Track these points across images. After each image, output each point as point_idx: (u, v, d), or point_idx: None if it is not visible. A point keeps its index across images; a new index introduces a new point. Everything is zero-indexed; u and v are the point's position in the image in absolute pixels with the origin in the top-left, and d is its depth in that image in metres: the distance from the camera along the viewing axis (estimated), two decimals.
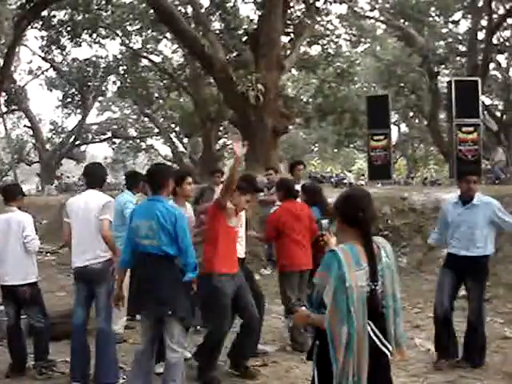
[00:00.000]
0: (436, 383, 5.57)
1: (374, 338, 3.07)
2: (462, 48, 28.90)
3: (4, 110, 35.14)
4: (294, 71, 30.01)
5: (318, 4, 21.69)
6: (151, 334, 4.96)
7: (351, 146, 42.72)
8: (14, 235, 5.93)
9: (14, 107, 37.57)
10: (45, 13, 25.21)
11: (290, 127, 30.12)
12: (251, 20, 23.95)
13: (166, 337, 4.86)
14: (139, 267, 4.98)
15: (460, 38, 29.33)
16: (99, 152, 61.12)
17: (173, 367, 4.83)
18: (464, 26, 31.96)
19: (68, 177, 40.86)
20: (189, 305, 4.93)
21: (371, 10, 30.13)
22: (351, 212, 3.18)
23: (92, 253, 5.53)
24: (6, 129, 36.78)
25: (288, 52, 20.28)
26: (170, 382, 4.83)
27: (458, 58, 30.28)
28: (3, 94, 30.77)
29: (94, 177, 5.83)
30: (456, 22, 30.07)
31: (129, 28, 29.57)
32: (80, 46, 28.80)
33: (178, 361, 4.86)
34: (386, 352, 3.11)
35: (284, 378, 5.83)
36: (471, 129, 15.24)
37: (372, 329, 3.06)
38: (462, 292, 6.24)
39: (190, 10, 24.46)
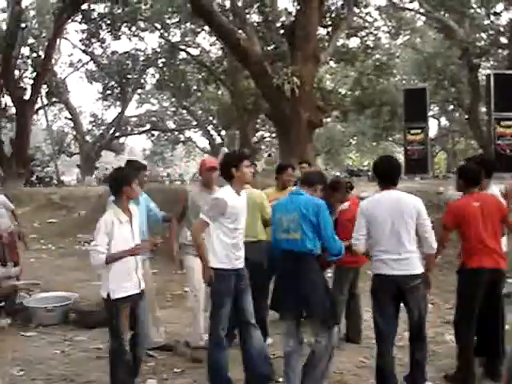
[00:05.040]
0: None
1: None
2: (504, 40, 28.32)
3: (45, 102, 35.74)
4: (332, 63, 29.80)
5: None
6: (295, 334, 4.99)
7: (390, 139, 42.32)
8: None
9: (54, 99, 38.14)
10: (84, 6, 25.60)
11: (327, 120, 30.06)
12: (289, 12, 23.85)
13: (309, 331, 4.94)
14: (282, 263, 4.98)
15: (502, 29, 28.74)
16: (138, 144, 61.86)
17: (315, 355, 4.83)
18: (506, 17, 31.38)
19: (107, 168, 41.46)
20: (328, 305, 4.86)
21: (411, 2, 29.68)
22: None
23: None
24: (47, 121, 37.46)
25: (326, 44, 20.18)
26: (311, 368, 4.84)
27: (499, 51, 29.71)
28: (44, 86, 31.34)
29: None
30: (498, 14, 29.42)
31: (167, 21, 29.78)
32: (119, 39, 29.19)
33: (321, 350, 4.82)
34: None
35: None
36: (510, 123, 15.00)
37: None
38: None
39: (227, 2, 24.50)
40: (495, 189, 5.96)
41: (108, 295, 4.83)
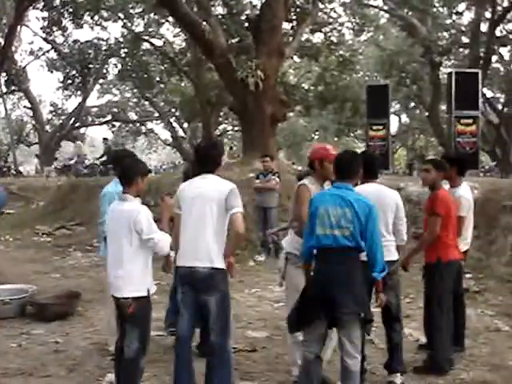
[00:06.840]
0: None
1: None
2: (465, 39, 28.79)
3: (4, 90, 35.03)
4: (295, 58, 29.87)
5: None
6: (320, 340, 4.53)
7: (351, 135, 42.63)
8: None
9: (14, 88, 37.31)
10: None
11: (290, 114, 30.12)
12: (254, 6, 23.81)
13: (343, 341, 4.41)
14: (322, 261, 4.52)
15: (463, 29, 29.20)
16: (99, 135, 61.08)
17: (351, 374, 4.39)
18: (468, 17, 31.88)
19: (71, 159, 40.83)
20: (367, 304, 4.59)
21: None
22: None
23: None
24: (5, 109, 36.68)
25: (290, 39, 20.19)
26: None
27: (460, 50, 30.18)
28: (3, 74, 30.71)
29: None
30: (460, 14, 29.88)
31: (131, 10, 29.45)
32: (81, 27, 28.82)
33: (356, 367, 4.41)
34: None
35: (273, 363, 5.85)
36: (470, 121, 15.22)
37: None
38: None
39: None
40: (467, 187, 6.04)
41: (148, 292, 4.41)
